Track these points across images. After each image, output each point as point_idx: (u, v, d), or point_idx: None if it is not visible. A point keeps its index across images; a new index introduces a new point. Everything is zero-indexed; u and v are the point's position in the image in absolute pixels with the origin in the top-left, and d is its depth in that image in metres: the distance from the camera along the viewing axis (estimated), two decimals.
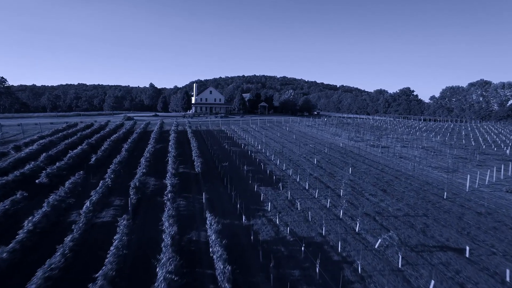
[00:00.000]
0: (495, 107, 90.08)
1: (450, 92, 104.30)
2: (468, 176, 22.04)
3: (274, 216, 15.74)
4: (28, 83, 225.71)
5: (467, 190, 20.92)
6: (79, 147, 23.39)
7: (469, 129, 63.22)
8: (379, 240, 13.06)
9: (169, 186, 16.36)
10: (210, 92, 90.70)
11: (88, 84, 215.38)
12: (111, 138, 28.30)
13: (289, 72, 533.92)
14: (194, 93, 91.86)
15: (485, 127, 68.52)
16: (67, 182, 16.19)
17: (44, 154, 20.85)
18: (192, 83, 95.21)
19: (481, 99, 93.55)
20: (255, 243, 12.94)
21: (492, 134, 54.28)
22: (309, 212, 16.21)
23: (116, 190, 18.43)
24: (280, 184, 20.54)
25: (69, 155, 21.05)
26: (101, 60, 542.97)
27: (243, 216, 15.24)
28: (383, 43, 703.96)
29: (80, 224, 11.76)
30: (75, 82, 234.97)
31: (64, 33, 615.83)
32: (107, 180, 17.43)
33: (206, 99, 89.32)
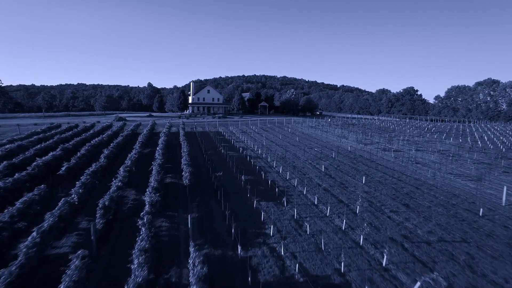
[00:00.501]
0: (504, 107, 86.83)
1: (456, 91, 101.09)
2: (505, 187, 18.81)
3: (278, 243, 12.53)
4: (28, 83, 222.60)
5: (503, 204, 17.75)
6: (51, 153, 20.04)
7: (480, 130, 59.99)
8: (418, 283, 9.84)
9: (147, 206, 13.12)
10: (208, 91, 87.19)
11: (87, 84, 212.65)
12: (92, 142, 24.93)
13: (290, 72, 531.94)
14: (191, 92, 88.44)
15: (496, 127, 65.26)
16: (18, 200, 12.93)
17: (4, 163, 17.55)
18: (191, 82, 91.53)
19: (488, 99, 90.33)
20: (254, 287, 9.74)
21: (508, 135, 51.05)
22: (322, 238, 12.99)
23: (86, 208, 15.22)
24: (284, 199, 17.30)
25: (35, 163, 17.72)
26: (101, 60, 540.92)
27: (239, 245, 12.01)
28: (384, 43, 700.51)
29: (13, 268, 8.53)
30: (74, 82, 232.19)
31: (64, 33, 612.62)
32: (72, 196, 14.21)
33: (203, 99, 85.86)
